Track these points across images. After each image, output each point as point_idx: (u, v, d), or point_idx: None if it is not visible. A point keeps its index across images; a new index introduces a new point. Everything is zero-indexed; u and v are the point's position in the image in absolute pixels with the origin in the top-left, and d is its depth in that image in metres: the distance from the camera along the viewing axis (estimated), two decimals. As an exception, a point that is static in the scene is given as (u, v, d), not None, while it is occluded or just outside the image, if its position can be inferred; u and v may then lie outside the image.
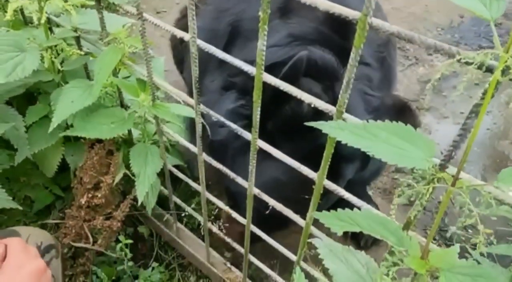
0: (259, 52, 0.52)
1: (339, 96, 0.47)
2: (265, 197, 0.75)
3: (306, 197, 0.63)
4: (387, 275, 0.47)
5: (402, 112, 1.12)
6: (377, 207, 1.37)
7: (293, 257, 0.81)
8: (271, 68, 0.59)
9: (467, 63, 0.35)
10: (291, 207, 0.73)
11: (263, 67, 0.54)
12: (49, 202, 1.16)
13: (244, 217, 0.82)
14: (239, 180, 0.77)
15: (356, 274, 0.55)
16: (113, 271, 1.14)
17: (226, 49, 1.09)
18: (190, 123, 1.07)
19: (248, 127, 0.88)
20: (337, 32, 1.02)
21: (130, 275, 1.19)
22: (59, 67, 0.86)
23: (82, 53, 0.87)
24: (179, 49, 1.54)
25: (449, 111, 1.93)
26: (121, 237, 1.06)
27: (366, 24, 0.39)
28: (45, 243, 0.83)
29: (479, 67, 0.35)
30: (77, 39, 0.87)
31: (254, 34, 0.51)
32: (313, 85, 0.91)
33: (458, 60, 0.34)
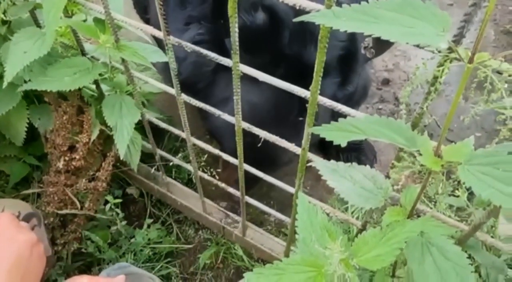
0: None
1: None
2: (255, 130, 0.70)
3: (301, 118, 0.59)
4: (399, 180, 0.44)
5: None
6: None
7: (291, 190, 0.78)
8: None
9: None
10: (273, 133, 0.68)
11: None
12: (25, 174, 1.09)
13: (231, 155, 0.78)
14: (226, 116, 0.72)
15: (365, 190, 0.51)
16: (108, 234, 1.10)
17: None
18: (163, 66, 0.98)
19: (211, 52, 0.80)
20: None
21: (126, 237, 1.16)
22: (3, 17, 0.76)
23: (26, -3, 0.76)
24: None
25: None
26: (109, 197, 1.01)
27: None
28: (24, 212, 0.78)
29: None
30: (17, -18, 0.76)
31: None
32: None
33: None
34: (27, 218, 0.79)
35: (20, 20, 0.80)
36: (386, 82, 1.68)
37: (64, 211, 0.92)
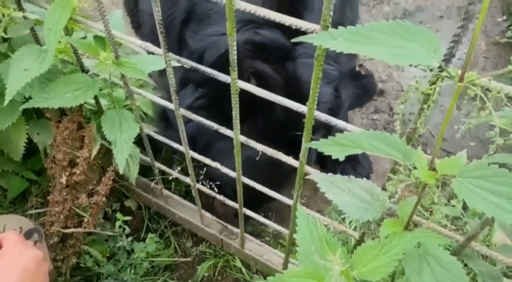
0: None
1: (323, 9, 0.43)
2: (253, 143, 0.71)
3: (298, 133, 0.61)
4: (396, 192, 0.45)
5: (359, 77, 1.19)
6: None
7: (289, 202, 0.79)
8: (226, 57, 0.59)
9: None
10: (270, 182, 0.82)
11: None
12: (23, 189, 1.09)
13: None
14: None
15: (363, 202, 0.53)
16: (106, 248, 1.10)
17: (180, 32, 1.06)
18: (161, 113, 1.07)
19: (209, 118, 0.87)
20: (288, 8, 0.98)
21: (124, 250, 1.16)
22: (3, 34, 0.77)
23: (26, 15, 0.77)
24: (135, 13, 1.44)
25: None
26: (119, 215, 1.02)
27: None
28: (25, 228, 0.79)
29: None
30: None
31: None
32: (263, 66, 0.91)
33: None
34: (28, 234, 0.79)
35: (20, 38, 0.82)
36: (380, 93, 1.71)
37: (69, 230, 0.92)
